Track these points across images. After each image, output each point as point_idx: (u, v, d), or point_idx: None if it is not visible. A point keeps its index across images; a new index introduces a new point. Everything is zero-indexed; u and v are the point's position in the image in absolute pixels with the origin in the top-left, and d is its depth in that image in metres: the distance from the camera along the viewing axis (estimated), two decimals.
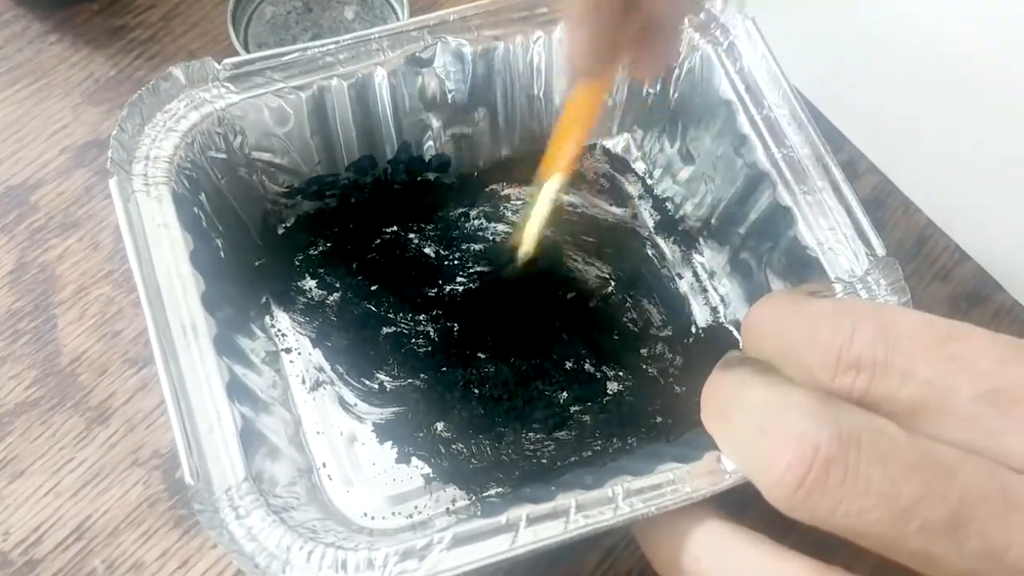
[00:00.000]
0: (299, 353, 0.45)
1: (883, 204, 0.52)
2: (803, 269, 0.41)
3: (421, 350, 0.46)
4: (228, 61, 0.41)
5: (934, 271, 0.51)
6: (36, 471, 0.44)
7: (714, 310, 0.48)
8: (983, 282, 0.51)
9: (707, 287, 0.48)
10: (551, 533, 0.33)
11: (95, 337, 0.47)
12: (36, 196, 0.51)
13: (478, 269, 0.48)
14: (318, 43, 0.42)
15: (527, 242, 0.43)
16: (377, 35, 0.43)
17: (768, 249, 0.43)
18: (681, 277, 0.49)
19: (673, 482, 0.34)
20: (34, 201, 0.50)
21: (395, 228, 0.49)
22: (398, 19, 0.53)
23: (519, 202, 0.50)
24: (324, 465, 0.42)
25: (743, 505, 0.43)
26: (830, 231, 0.40)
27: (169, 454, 0.44)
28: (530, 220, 0.42)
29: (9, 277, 0.48)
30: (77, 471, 0.44)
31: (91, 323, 0.47)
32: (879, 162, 0.53)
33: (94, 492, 0.44)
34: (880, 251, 0.38)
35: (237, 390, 0.36)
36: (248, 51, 0.52)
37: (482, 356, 0.46)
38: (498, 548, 0.33)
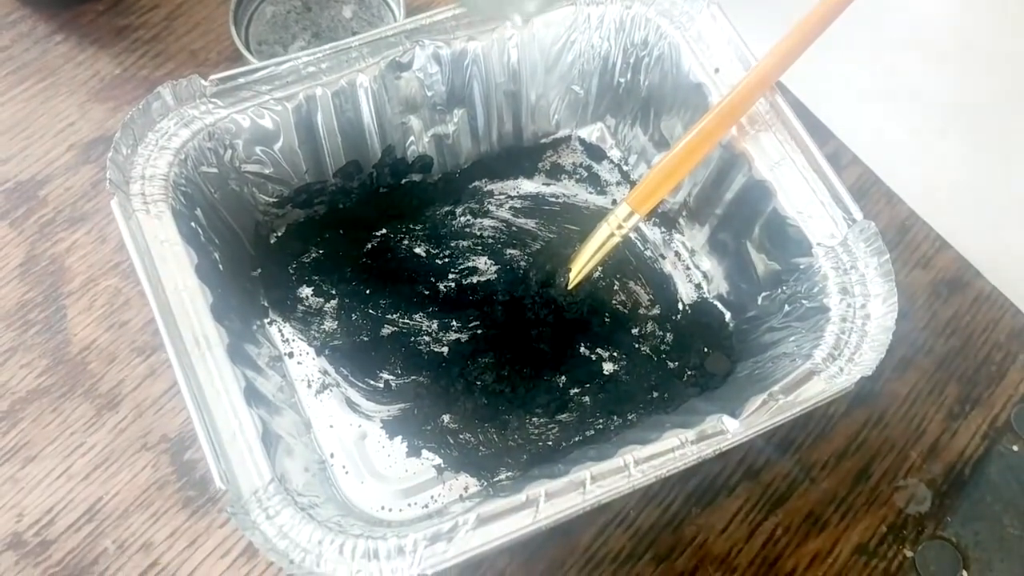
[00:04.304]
0: (302, 357, 0.46)
1: (867, 194, 0.54)
2: (783, 239, 0.43)
3: (422, 347, 0.47)
4: (214, 77, 0.42)
5: (916, 259, 0.53)
6: (48, 455, 0.45)
7: (698, 286, 0.50)
8: (963, 269, 0.52)
9: (689, 265, 0.50)
10: (570, 504, 0.35)
11: (104, 326, 0.48)
12: (45, 191, 0.52)
13: (485, 278, 0.49)
14: (300, 54, 0.43)
15: (580, 271, 0.46)
16: (357, 43, 0.44)
17: (748, 223, 0.45)
18: (664, 257, 0.51)
19: (681, 446, 0.36)
20: (43, 196, 0.51)
21: (384, 231, 0.50)
22: (395, 17, 0.55)
23: (503, 196, 0.52)
24: (338, 464, 0.43)
25: (731, 487, 0.46)
26: (808, 200, 0.42)
27: (177, 438, 0.45)
28: (592, 251, 0.45)
29: (19, 269, 0.49)
30: (88, 455, 0.45)
31: (100, 313, 0.48)
32: (862, 154, 0.55)
33: (104, 475, 0.45)
34: (857, 215, 0.40)
35: (253, 395, 0.37)
36: (249, 50, 0.53)
37: (481, 348, 0.47)
38: (521, 523, 0.34)
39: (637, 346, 0.48)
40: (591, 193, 0.52)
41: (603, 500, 0.34)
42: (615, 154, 0.53)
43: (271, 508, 0.34)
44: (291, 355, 0.46)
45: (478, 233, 0.50)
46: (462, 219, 0.51)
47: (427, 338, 0.47)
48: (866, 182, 0.54)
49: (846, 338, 0.39)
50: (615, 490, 0.35)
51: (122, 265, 0.49)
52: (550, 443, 0.45)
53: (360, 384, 0.45)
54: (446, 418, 0.45)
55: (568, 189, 0.52)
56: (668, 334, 0.48)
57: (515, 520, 0.34)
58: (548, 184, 0.52)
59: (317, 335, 0.47)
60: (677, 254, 0.51)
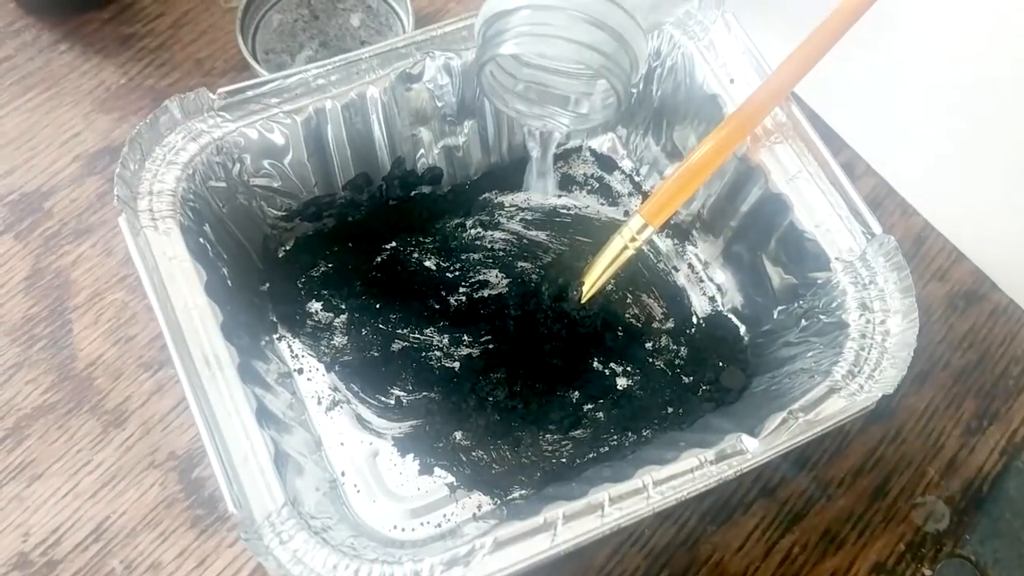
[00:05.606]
0: (312, 374, 0.45)
1: (881, 205, 0.54)
2: (800, 253, 0.42)
3: (433, 362, 0.46)
4: (222, 90, 0.41)
5: (932, 271, 0.52)
6: (54, 473, 0.44)
7: (712, 299, 0.49)
8: (980, 281, 0.52)
9: (703, 277, 0.50)
10: (588, 528, 0.34)
11: (110, 341, 0.47)
12: (50, 203, 0.51)
13: (498, 292, 0.49)
14: (309, 67, 0.43)
15: (593, 284, 0.45)
16: (367, 55, 0.43)
17: (764, 236, 0.44)
18: (677, 270, 0.50)
19: (700, 466, 0.35)
20: (48, 208, 0.51)
21: (394, 244, 0.49)
22: (403, 25, 0.54)
23: (513, 208, 0.51)
24: (349, 483, 0.42)
25: (747, 505, 0.45)
26: (826, 213, 0.41)
27: (185, 455, 0.45)
28: (606, 264, 0.44)
29: (25, 283, 0.49)
30: (95, 473, 0.44)
31: (106, 328, 0.48)
32: (877, 165, 0.55)
33: (112, 494, 0.44)
34: (876, 229, 0.39)
35: (264, 415, 0.37)
36: (256, 59, 0.52)
37: (493, 363, 0.46)
38: (540, 547, 0.33)
39: (651, 360, 0.47)
40: (603, 204, 0.52)
41: (623, 523, 0.34)
42: (626, 165, 0.53)
43: (284, 532, 0.33)
44: (300, 371, 0.45)
45: (489, 246, 0.50)
46: (472, 231, 0.50)
47: (438, 353, 0.47)
48: (880, 193, 0.54)
49: (866, 354, 0.39)
50: (634, 513, 0.34)
51: (128, 279, 0.49)
52: (564, 460, 0.44)
53: (371, 401, 0.45)
54: (458, 435, 0.44)
55: (579, 200, 0.52)
56: (682, 348, 0.48)
57: (533, 544, 0.34)
58: (559, 195, 0.52)
59: (327, 351, 0.46)
60: (691, 266, 0.50)
